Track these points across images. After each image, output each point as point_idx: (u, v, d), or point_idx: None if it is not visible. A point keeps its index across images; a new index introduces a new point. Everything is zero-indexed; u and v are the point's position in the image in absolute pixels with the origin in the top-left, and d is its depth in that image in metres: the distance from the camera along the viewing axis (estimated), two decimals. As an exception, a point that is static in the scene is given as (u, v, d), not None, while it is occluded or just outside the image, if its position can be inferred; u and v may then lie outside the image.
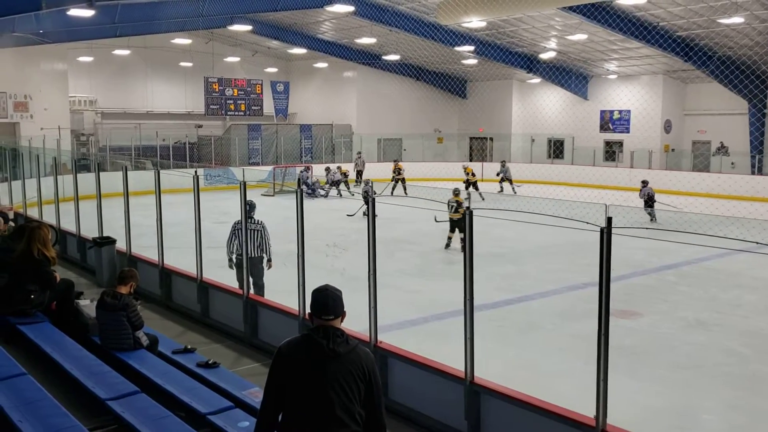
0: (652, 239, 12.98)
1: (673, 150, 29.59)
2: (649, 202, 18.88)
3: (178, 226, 10.32)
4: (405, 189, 23.84)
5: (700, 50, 24.07)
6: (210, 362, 5.94)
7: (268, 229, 9.10)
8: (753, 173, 25.60)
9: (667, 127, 29.42)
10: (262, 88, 30.99)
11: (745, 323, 9.37)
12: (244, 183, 8.25)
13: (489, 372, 5.65)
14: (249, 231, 8.59)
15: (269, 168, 27.02)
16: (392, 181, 23.99)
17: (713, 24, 20.92)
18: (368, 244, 6.33)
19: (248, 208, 8.69)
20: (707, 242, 12.60)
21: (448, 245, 14.24)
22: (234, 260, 8.99)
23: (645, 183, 19.59)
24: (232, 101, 30.12)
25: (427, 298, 10.47)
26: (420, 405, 5.96)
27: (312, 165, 27.14)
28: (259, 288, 8.92)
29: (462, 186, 21.71)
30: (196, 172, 9.23)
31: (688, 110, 29.76)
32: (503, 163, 26.32)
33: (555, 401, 5.12)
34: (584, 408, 4.82)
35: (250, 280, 8.53)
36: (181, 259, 9.72)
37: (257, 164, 29.65)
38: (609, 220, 4.82)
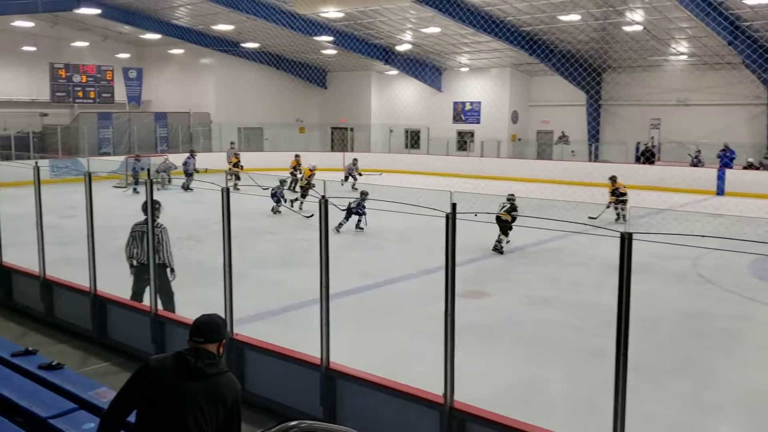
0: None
1: (519, 139, 31.37)
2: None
3: (20, 221, 9.66)
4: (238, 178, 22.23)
5: (543, 45, 25.70)
6: (54, 363, 5.62)
7: (167, 232, 7.88)
8: (590, 160, 27.69)
9: (514, 117, 31.14)
10: (113, 75, 29.48)
11: (583, 299, 10.15)
12: (89, 174, 7.84)
13: (346, 357, 5.78)
14: (146, 234, 7.57)
15: (121, 158, 25.74)
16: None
17: (554, 20, 22.36)
18: (223, 235, 6.26)
19: (146, 207, 7.69)
20: (549, 225, 13.42)
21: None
22: (132, 266, 7.96)
23: (354, 161, 20.96)
24: (80, 88, 28.45)
25: (288, 287, 10.46)
26: (277, 394, 6.00)
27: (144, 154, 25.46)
28: (167, 304, 7.79)
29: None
30: (36, 163, 8.65)
31: (533, 102, 31.64)
32: (355, 161, 24.37)
33: (412, 382, 5.30)
34: (438, 387, 4.99)
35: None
36: (25, 256, 9.09)
37: (108, 154, 28.17)
38: (453, 206, 5.09)
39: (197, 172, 22.46)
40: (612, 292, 4.16)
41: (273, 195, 17.74)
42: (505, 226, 13.38)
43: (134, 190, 21.26)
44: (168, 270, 7.72)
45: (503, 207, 13.56)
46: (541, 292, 10.42)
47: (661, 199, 17.09)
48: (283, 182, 18.39)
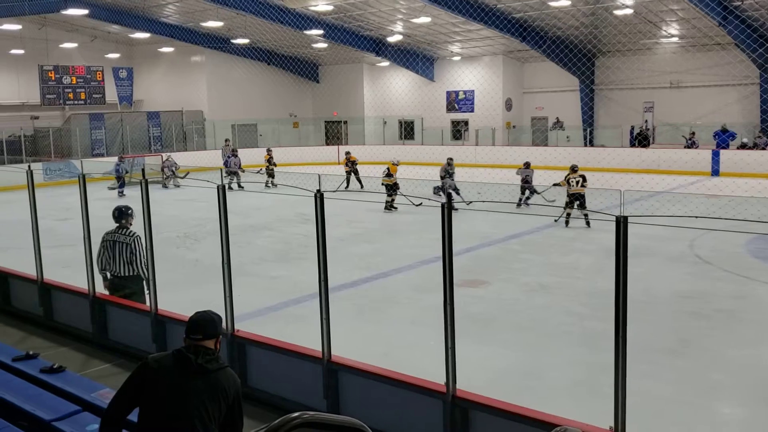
0: (495, 212, 13.76)
1: (514, 127, 31.35)
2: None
3: (17, 225, 9.67)
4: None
5: (535, 31, 25.65)
6: (55, 367, 5.64)
7: (141, 241, 7.21)
8: (585, 145, 27.71)
9: (508, 105, 31.12)
10: (103, 75, 29.35)
11: (582, 284, 10.19)
12: (84, 176, 7.82)
13: (347, 349, 5.80)
14: (118, 244, 7.22)
15: (115, 159, 25.74)
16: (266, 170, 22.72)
17: (545, 6, 22.31)
18: (221, 232, 6.26)
19: (117, 214, 7.36)
20: (544, 212, 13.53)
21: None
22: (105, 279, 7.49)
23: (450, 161, 19.09)
24: (70, 90, 28.34)
25: (288, 282, 10.47)
26: (280, 389, 6.00)
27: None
28: None
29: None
30: (29, 167, 8.64)
31: (526, 88, 31.61)
32: (450, 160, 20.31)
33: (413, 372, 5.30)
34: (439, 376, 5.00)
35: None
36: (21, 260, 9.09)
37: (102, 155, 28.15)
38: (449, 196, 5.13)
39: (243, 171, 22.39)
40: (610, 275, 4.17)
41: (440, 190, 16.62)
42: (580, 199, 14.16)
43: (119, 192, 20.94)
44: (144, 282, 7.23)
45: (578, 182, 14.12)
46: (540, 279, 10.43)
47: (655, 181, 17.12)
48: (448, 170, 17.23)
